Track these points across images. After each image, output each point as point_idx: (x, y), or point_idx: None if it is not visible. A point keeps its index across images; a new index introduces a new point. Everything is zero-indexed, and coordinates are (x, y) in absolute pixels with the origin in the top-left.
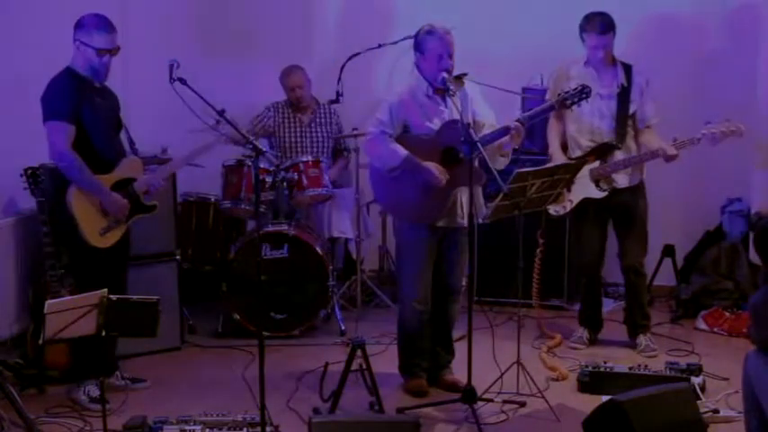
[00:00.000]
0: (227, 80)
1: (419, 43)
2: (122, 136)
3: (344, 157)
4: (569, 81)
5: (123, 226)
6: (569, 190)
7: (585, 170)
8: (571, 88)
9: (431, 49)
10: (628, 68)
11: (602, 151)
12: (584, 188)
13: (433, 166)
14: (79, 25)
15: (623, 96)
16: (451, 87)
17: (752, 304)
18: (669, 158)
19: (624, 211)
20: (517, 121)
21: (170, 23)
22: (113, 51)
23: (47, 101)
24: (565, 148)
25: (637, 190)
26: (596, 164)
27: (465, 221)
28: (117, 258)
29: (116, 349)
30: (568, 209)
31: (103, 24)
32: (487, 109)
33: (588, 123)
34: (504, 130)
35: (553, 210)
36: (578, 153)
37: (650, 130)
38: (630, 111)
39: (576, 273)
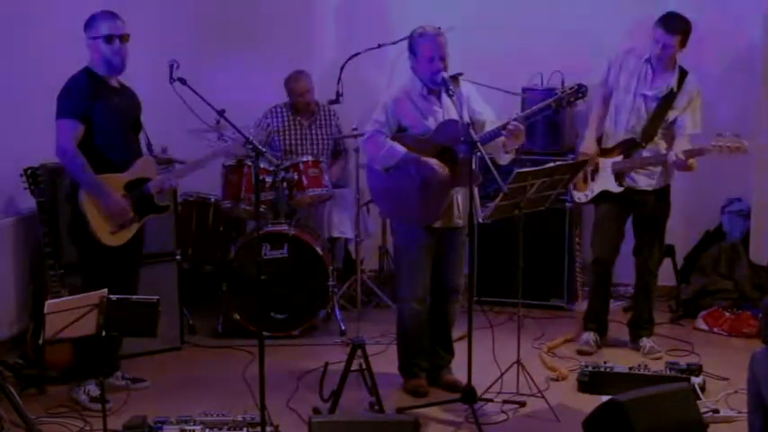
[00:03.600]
0: (226, 80)
1: (412, 45)
2: (141, 137)
3: (343, 158)
4: (621, 71)
5: (136, 225)
6: (594, 179)
7: (609, 163)
8: (567, 87)
9: (422, 51)
10: (683, 74)
11: (627, 147)
12: (604, 180)
13: (433, 161)
14: (86, 24)
15: (667, 99)
16: (451, 87)
17: (766, 304)
18: (677, 166)
19: (646, 212)
20: (512, 119)
21: (170, 23)
22: (124, 38)
23: (60, 99)
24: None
25: (661, 194)
26: (619, 158)
27: (462, 221)
28: (128, 257)
29: (119, 349)
30: (589, 197)
31: (107, 13)
32: (486, 106)
33: (625, 121)
34: (501, 128)
35: (576, 196)
36: (610, 145)
37: (683, 139)
38: (670, 117)
39: (588, 268)
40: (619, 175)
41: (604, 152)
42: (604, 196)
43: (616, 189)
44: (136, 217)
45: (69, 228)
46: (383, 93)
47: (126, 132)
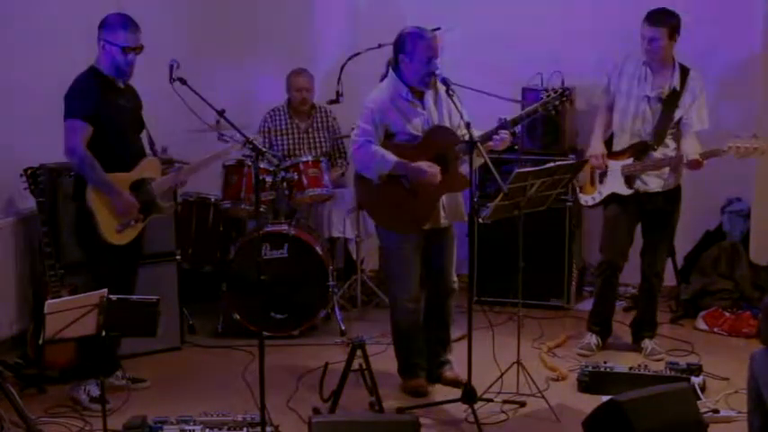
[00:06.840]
0: (226, 80)
1: (405, 45)
2: (143, 135)
3: (340, 166)
4: (621, 77)
5: (140, 225)
6: (602, 182)
7: (618, 165)
8: (552, 91)
9: (420, 51)
10: (685, 72)
11: (638, 150)
12: (614, 183)
13: (425, 165)
14: (104, 24)
15: (671, 100)
16: (452, 87)
17: (766, 304)
18: (691, 165)
19: (658, 214)
20: (503, 124)
21: (170, 23)
22: (138, 49)
23: (69, 99)
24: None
25: (672, 194)
26: (630, 161)
27: (447, 222)
28: (131, 256)
29: (118, 349)
30: (597, 200)
31: (128, 23)
32: (462, 109)
33: (630, 124)
34: (493, 133)
35: (583, 199)
36: (619, 148)
37: (691, 136)
38: (676, 116)
39: (594, 270)
40: (629, 178)
41: (614, 155)
42: (613, 199)
43: (625, 192)
44: (141, 216)
45: (75, 227)
46: (367, 98)
47: (130, 133)
